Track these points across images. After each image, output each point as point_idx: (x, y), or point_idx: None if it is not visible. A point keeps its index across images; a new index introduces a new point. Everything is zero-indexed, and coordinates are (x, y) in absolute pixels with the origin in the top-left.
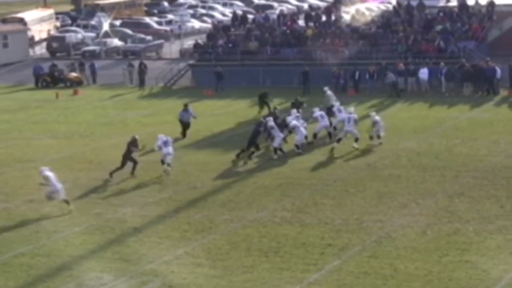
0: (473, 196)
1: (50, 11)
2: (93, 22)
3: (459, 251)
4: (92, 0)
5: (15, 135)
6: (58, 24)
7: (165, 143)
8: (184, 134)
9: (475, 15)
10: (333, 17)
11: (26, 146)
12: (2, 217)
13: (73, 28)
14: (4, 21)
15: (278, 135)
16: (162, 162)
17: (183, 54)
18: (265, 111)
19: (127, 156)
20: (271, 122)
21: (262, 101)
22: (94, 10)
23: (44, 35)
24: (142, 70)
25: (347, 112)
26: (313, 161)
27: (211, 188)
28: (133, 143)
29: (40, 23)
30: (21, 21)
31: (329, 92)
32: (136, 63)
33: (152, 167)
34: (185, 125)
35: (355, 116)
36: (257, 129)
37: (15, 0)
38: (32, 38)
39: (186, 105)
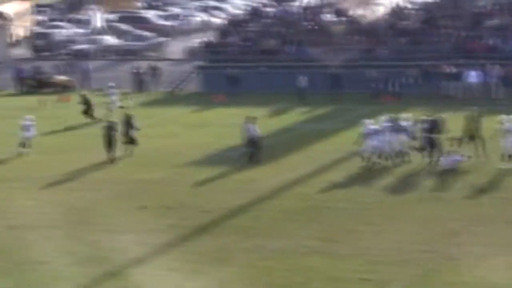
0: None
1: (27, 4)
2: (84, 17)
3: None
4: None
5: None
6: (41, 18)
7: (27, 128)
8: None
9: None
10: (365, 11)
11: (9, 163)
12: None
13: (61, 23)
14: None
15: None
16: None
17: (190, 54)
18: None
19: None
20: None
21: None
22: (80, 2)
23: (24, 32)
24: (153, 74)
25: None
26: (347, 179)
27: (225, 212)
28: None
29: (20, 18)
30: (3, 15)
31: (112, 90)
32: (143, 65)
33: (155, 188)
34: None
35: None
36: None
37: None
38: (11, 35)
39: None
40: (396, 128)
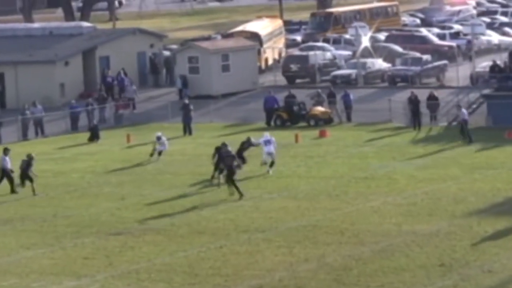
0: None
1: (279, 22)
2: (345, 36)
3: None
4: (324, 7)
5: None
6: (292, 38)
7: (267, 142)
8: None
9: None
10: None
11: (253, 209)
12: None
13: (319, 44)
14: (228, 35)
15: None
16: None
17: (475, 80)
18: None
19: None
20: None
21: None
22: (335, 19)
23: (276, 55)
24: (431, 104)
25: None
26: None
27: None
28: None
29: (271, 39)
30: (255, 36)
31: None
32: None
33: (430, 242)
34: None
35: None
36: None
37: (239, 5)
38: (265, 59)
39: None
40: None
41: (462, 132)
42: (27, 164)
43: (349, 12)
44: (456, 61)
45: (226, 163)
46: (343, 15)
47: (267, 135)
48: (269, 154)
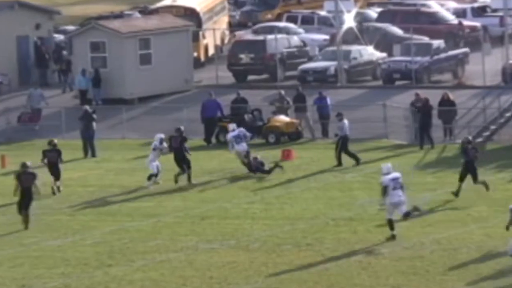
0: None
1: None
2: (320, 13)
3: None
4: None
5: (165, 241)
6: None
7: (238, 138)
8: None
9: None
10: None
11: (184, 264)
12: None
13: (280, 24)
14: (150, 12)
15: None
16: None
17: (509, 77)
18: None
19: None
20: None
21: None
22: None
23: (218, 41)
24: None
25: None
26: None
27: None
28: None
29: (211, 18)
30: (191, 13)
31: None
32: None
33: None
34: None
35: None
36: None
37: None
38: (206, 47)
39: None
40: None
41: (336, 151)
42: (58, 155)
43: None
44: (481, 49)
45: (25, 184)
46: None
47: (234, 126)
48: (239, 153)
